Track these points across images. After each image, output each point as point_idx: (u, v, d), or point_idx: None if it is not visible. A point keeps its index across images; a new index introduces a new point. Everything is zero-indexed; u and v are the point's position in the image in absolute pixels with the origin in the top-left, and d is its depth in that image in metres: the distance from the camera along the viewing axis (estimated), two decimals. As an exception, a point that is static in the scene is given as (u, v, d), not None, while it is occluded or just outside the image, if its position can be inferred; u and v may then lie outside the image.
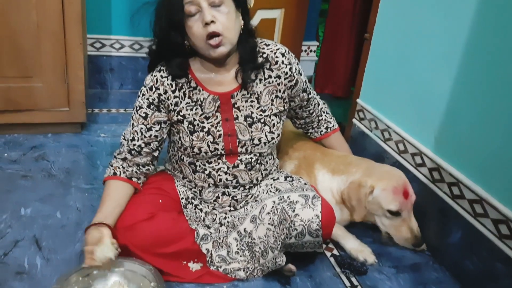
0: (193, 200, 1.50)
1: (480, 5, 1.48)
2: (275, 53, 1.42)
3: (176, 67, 1.36)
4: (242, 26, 1.34)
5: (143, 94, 1.41)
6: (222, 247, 1.42)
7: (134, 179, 1.43)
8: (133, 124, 1.42)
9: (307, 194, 1.39)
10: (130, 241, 1.33)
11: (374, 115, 2.05)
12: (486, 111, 1.47)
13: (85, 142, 2.23)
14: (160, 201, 1.45)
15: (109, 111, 2.61)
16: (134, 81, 2.92)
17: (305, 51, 3.40)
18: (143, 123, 1.40)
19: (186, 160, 1.47)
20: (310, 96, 1.58)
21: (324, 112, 1.72)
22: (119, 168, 1.42)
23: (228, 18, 1.27)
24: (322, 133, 1.74)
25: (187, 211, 1.48)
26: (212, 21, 1.24)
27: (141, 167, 1.45)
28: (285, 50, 1.45)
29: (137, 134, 1.41)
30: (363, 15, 2.95)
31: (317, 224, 1.34)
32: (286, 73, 1.44)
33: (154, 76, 1.39)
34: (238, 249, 1.42)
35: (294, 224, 1.34)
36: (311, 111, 1.65)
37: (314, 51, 3.45)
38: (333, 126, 1.76)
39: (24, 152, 2.07)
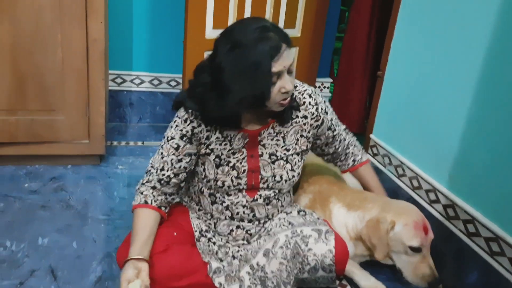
0: (206, 233, 1.51)
1: (491, 44, 1.51)
2: (302, 95, 1.47)
3: (231, 122, 1.39)
4: None
5: (176, 125, 1.40)
6: (234, 281, 1.42)
7: (163, 208, 1.44)
8: (162, 153, 1.42)
9: (320, 229, 1.39)
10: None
11: (388, 150, 2.06)
12: (500, 147, 1.47)
13: (103, 174, 2.27)
14: (175, 233, 1.45)
15: (127, 144, 2.67)
16: (152, 115, 2.99)
17: (319, 87, 3.45)
18: (174, 154, 1.40)
19: (206, 192, 1.48)
20: (335, 133, 1.59)
21: (352, 145, 1.71)
22: (149, 196, 1.42)
23: (293, 78, 1.32)
24: (349, 166, 1.73)
25: (200, 244, 1.48)
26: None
27: (168, 196, 1.45)
28: (312, 91, 1.49)
29: (167, 164, 1.41)
30: (376, 52, 3.00)
31: (331, 259, 1.33)
32: (313, 114, 1.48)
33: (189, 109, 1.39)
34: (250, 283, 1.41)
35: (307, 259, 1.34)
36: (336, 147, 1.65)
37: (328, 88, 3.51)
38: (361, 159, 1.73)
39: (44, 183, 2.12)
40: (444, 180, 1.72)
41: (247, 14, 2.52)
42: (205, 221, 1.52)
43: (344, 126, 1.68)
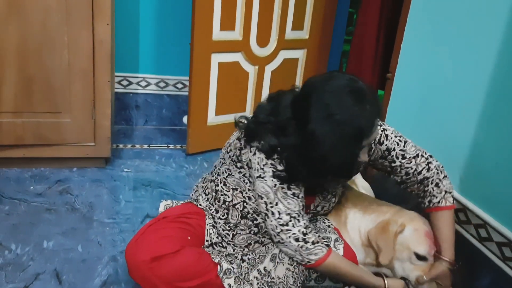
0: (215, 246, 1.50)
1: (503, 45, 1.49)
2: None
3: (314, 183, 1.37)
4: None
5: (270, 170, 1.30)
6: (244, 283, 1.40)
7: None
8: (295, 193, 1.31)
9: (330, 237, 1.37)
10: (154, 272, 1.32)
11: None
12: (512, 151, 1.45)
13: (109, 176, 2.26)
14: (189, 238, 1.44)
15: (133, 146, 2.66)
16: (159, 118, 2.99)
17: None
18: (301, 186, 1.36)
19: (240, 207, 1.43)
20: (394, 164, 1.44)
21: (432, 184, 1.44)
22: (317, 239, 1.32)
23: None
24: (425, 206, 1.48)
25: (208, 250, 1.47)
26: None
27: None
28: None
29: (303, 199, 1.34)
30: (384, 54, 2.98)
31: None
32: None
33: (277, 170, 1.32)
34: (259, 287, 1.40)
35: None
36: (403, 178, 1.47)
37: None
38: (438, 203, 1.44)
39: (49, 185, 2.11)
40: (455, 184, 1.69)
41: (255, 16, 2.51)
42: (223, 230, 1.49)
43: (424, 158, 1.45)
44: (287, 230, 1.27)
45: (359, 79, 1.22)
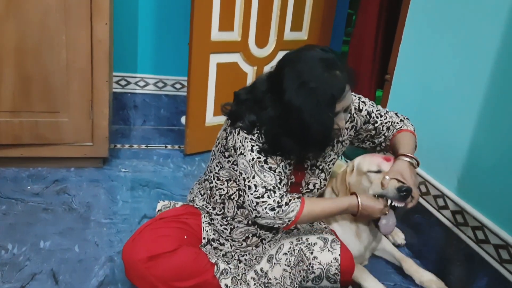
0: (212, 242, 1.50)
1: (501, 48, 1.49)
2: None
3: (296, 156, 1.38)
4: None
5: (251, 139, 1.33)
6: (241, 284, 1.40)
7: None
8: (271, 167, 1.32)
9: (326, 237, 1.37)
10: (151, 272, 1.32)
11: (395, 155, 2.03)
12: (510, 153, 1.45)
13: (106, 176, 2.26)
14: (185, 237, 1.44)
15: (131, 146, 2.65)
16: (157, 118, 2.98)
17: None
18: (282, 160, 1.37)
19: (235, 197, 1.45)
20: (377, 125, 1.52)
21: (395, 122, 1.55)
22: (294, 197, 1.35)
23: (347, 115, 1.35)
24: (389, 137, 1.55)
25: (205, 249, 1.47)
26: None
27: None
28: None
29: (281, 174, 1.35)
30: (383, 56, 2.98)
31: (336, 268, 1.31)
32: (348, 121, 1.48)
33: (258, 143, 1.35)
34: (255, 288, 1.40)
35: (312, 267, 1.32)
36: (386, 134, 1.55)
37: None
38: (401, 127, 1.54)
39: (46, 185, 2.10)
40: (453, 186, 1.70)
41: (254, 17, 2.51)
42: (221, 225, 1.50)
43: (393, 113, 1.57)
44: (263, 202, 1.29)
45: (329, 49, 1.28)
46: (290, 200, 1.30)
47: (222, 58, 2.49)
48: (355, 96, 1.50)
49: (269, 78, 1.32)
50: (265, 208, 1.29)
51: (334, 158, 1.51)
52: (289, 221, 1.30)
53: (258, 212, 1.30)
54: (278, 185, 1.31)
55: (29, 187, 2.07)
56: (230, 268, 1.43)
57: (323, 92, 1.20)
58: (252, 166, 1.31)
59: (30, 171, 2.21)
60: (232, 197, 1.45)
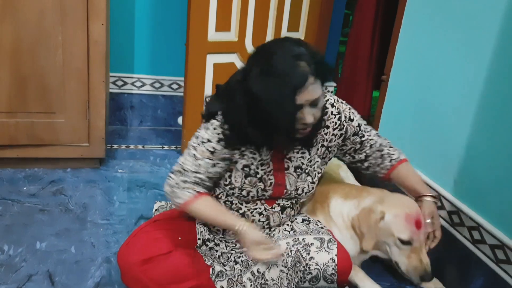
0: (208, 242, 1.49)
1: (497, 48, 1.50)
2: (324, 104, 1.42)
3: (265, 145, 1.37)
4: None
5: (214, 128, 1.34)
6: (236, 285, 1.40)
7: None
8: (195, 155, 1.35)
9: (323, 238, 1.37)
10: (146, 274, 1.32)
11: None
12: (506, 153, 1.45)
13: (103, 177, 2.25)
14: (180, 238, 1.44)
15: (127, 147, 2.65)
16: (153, 118, 2.97)
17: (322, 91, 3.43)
18: (209, 157, 1.35)
19: (223, 197, 1.46)
20: (363, 139, 1.52)
21: (386, 147, 1.57)
22: (198, 185, 1.37)
23: (318, 111, 1.29)
24: (388, 168, 1.57)
25: (200, 251, 1.47)
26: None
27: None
28: (334, 100, 1.46)
29: (202, 168, 1.35)
30: (380, 56, 2.98)
31: (333, 268, 1.31)
32: (335, 123, 1.45)
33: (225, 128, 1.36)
34: (252, 290, 1.40)
35: (309, 268, 1.32)
36: (367, 152, 1.56)
37: (332, 92, 3.49)
38: (398, 158, 1.57)
39: (43, 186, 2.10)
40: (449, 186, 1.70)
41: (251, 17, 2.51)
42: (214, 227, 1.50)
43: (376, 131, 1.59)
44: (170, 176, 1.38)
45: (304, 43, 1.26)
46: (185, 189, 1.35)
47: (219, 58, 2.49)
48: (346, 106, 1.49)
49: (243, 68, 1.32)
50: (168, 182, 1.38)
51: (318, 161, 1.47)
52: (177, 205, 1.37)
53: (165, 182, 1.39)
54: (190, 172, 1.35)
55: (25, 188, 2.06)
56: (226, 270, 1.43)
57: (283, 81, 1.18)
58: (188, 148, 1.38)
59: (26, 172, 2.20)
60: (219, 196, 1.46)
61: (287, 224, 1.49)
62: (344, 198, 1.63)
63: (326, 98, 1.43)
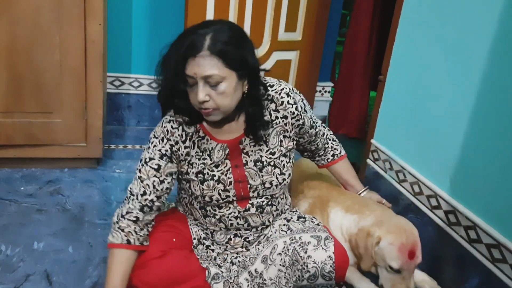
0: (204, 241, 1.49)
1: (493, 48, 1.51)
2: (280, 94, 1.40)
3: (187, 113, 1.35)
4: (246, 92, 1.31)
5: (154, 146, 1.35)
6: (233, 287, 1.40)
7: (145, 243, 1.37)
8: (141, 177, 1.34)
9: (320, 235, 1.37)
10: (140, 279, 1.31)
11: (389, 155, 2.05)
12: (502, 153, 1.46)
13: (100, 177, 2.26)
14: (174, 239, 1.43)
15: (125, 147, 2.65)
16: (151, 118, 2.98)
17: (320, 91, 3.44)
18: (155, 176, 1.34)
19: (197, 205, 1.45)
20: (317, 130, 1.56)
21: (330, 140, 1.66)
22: (132, 234, 1.33)
23: (223, 97, 1.23)
24: (328, 160, 1.66)
25: (197, 251, 1.47)
26: (205, 101, 1.23)
27: (149, 227, 1.39)
28: (290, 89, 1.42)
29: (149, 187, 1.34)
30: (377, 57, 3.00)
31: (331, 266, 1.32)
32: (293, 113, 1.41)
33: (165, 127, 1.36)
34: (249, 289, 1.40)
35: (307, 266, 1.32)
36: (318, 143, 1.61)
37: (329, 92, 3.50)
38: (340, 153, 1.67)
39: (40, 186, 2.10)
40: (445, 186, 1.71)
41: (248, 18, 2.52)
42: (203, 230, 1.50)
43: (320, 121, 1.62)
44: (120, 206, 1.39)
45: (232, 26, 1.29)
46: (117, 231, 1.33)
47: (216, 58, 2.49)
48: (300, 96, 1.46)
49: None
50: (116, 212, 1.38)
51: (282, 152, 1.43)
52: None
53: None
54: (139, 196, 1.34)
55: (22, 188, 2.06)
56: (222, 272, 1.42)
57: (178, 45, 1.22)
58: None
59: (24, 172, 2.20)
60: (194, 205, 1.45)
61: (283, 225, 1.49)
62: (345, 211, 1.61)
63: (281, 87, 1.41)
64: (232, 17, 2.46)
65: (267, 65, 2.72)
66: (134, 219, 1.33)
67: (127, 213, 1.34)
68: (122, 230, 1.32)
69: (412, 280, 1.48)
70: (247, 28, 2.54)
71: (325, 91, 3.47)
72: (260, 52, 2.66)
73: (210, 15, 2.36)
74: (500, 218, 1.47)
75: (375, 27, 3.03)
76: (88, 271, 1.60)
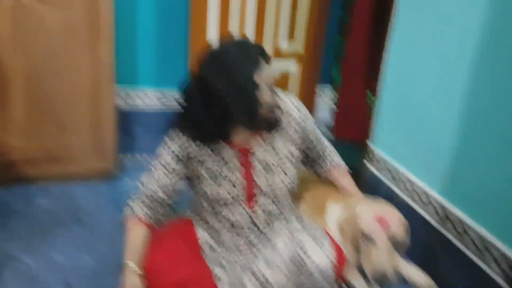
0: (210, 242, 1.53)
1: (486, 56, 1.53)
2: (286, 102, 1.52)
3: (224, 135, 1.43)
4: None
5: (168, 146, 1.46)
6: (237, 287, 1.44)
7: (155, 225, 1.49)
8: (152, 171, 1.47)
9: (317, 234, 1.43)
10: (150, 285, 1.36)
11: (384, 158, 2.09)
12: (495, 156, 1.49)
13: (114, 189, 2.33)
14: (182, 245, 1.48)
15: (136, 159, 2.72)
16: (161, 130, 3.00)
17: (319, 95, 3.45)
18: (164, 174, 1.45)
19: (205, 205, 1.50)
20: (317, 136, 1.63)
21: (327, 148, 1.70)
22: (140, 211, 1.46)
23: (276, 97, 1.42)
24: (327, 166, 1.70)
25: (204, 253, 1.51)
26: None
27: (157, 214, 1.49)
28: (293, 98, 1.56)
29: (156, 182, 1.45)
30: (376, 62, 3.01)
31: (329, 264, 1.36)
32: (297, 120, 1.52)
33: (184, 131, 1.46)
34: (252, 289, 1.44)
35: (306, 266, 1.36)
36: (318, 150, 1.66)
37: (328, 95, 3.50)
38: (338, 164, 1.72)
39: (57, 200, 2.18)
40: (437, 187, 1.74)
41: (249, 27, 2.58)
42: (208, 230, 1.54)
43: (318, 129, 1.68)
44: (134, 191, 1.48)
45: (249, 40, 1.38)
46: (132, 206, 1.45)
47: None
48: (299, 103, 1.56)
49: (193, 75, 1.41)
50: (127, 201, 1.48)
51: (294, 159, 1.52)
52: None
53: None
54: (145, 184, 1.46)
55: (40, 203, 2.15)
56: (227, 274, 1.45)
57: (240, 66, 1.30)
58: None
59: (42, 187, 2.28)
60: (204, 205, 1.51)
61: (283, 226, 1.53)
62: (340, 205, 1.64)
63: (286, 96, 1.53)
64: (234, 27, 2.53)
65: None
66: (142, 201, 1.46)
67: (136, 198, 1.47)
68: (132, 208, 1.46)
69: (390, 256, 1.45)
70: (248, 37, 2.58)
71: (325, 95, 3.47)
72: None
73: (213, 25, 2.44)
74: (490, 218, 1.51)
75: (374, 31, 3.04)
76: (106, 279, 1.66)
